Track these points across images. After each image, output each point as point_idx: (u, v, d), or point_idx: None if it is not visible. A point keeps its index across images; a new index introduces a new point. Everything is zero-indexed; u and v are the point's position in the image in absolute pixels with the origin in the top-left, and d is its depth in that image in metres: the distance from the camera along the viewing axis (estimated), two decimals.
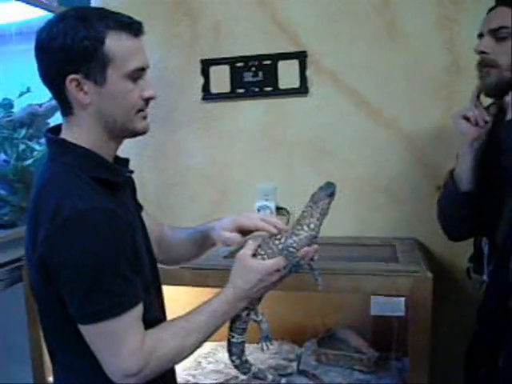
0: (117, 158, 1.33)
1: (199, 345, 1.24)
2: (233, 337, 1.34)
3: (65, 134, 1.23)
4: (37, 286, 1.22)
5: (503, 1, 1.50)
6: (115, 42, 1.15)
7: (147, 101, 1.25)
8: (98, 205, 1.11)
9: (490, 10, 1.55)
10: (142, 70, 1.21)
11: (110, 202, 1.16)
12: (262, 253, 1.28)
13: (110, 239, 1.10)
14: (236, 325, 1.33)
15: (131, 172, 1.35)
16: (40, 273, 1.15)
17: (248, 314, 1.33)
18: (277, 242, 1.28)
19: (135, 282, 1.16)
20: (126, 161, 1.37)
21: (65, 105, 1.21)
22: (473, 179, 1.58)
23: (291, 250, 1.25)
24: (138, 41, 1.21)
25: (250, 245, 1.29)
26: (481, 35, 1.54)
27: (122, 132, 1.24)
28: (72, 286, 1.10)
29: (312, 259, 1.29)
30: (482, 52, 1.51)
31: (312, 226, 1.26)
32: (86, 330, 1.12)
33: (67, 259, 1.09)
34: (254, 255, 1.28)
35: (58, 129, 1.26)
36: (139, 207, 1.46)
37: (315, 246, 1.28)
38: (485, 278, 1.59)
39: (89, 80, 1.15)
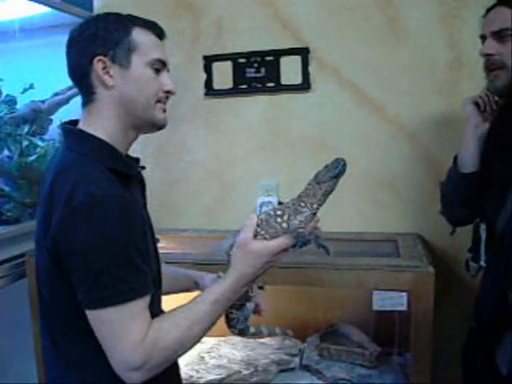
0: (128, 157, 1.35)
1: (203, 334, 1.22)
2: (231, 313, 1.33)
3: (82, 124, 1.26)
4: (46, 275, 1.22)
5: (503, 1, 1.49)
6: (140, 35, 1.25)
7: (167, 95, 1.30)
8: (113, 192, 1.13)
9: (488, 9, 1.54)
10: (163, 64, 1.29)
11: (124, 191, 1.17)
12: (263, 232, 1.23)
13: (123, 227, 1.12)
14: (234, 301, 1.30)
15: (142, 168, 1.37)
16: (51, 257, 1.16)
17: (247, 291, 1.31)
18: (279, 219, 1.23)
19: (145, 272, 1.16)
20: (137, 159, 1.40)
21: (88, 90, 1.26)
22: (475, 163, 1.62)
23: (301, 231, 1.21)
24: (160, 41, 1.31)
25: (249, 226, 1.25)
26: (483, 37, 1.54)
27: (141, 120, 1.27)
28: (82, 269, 1.11)
29: (316, 228, 1.26)
30: (488, 54, 1.51)
31: (315, 206, 1.22)
32: (93, 316, 1.12)
33: (79, 242, 1.10)
34: (255, 236, 1.24)
35: (74, 123, 1.29)
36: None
37: (316, 218, 1.25)
38: (482, 263, 1.60)
39: (114, 64, 1.23)
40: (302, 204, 1.23)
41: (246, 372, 2.02)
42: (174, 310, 1.22)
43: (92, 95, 1.25)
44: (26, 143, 2.24)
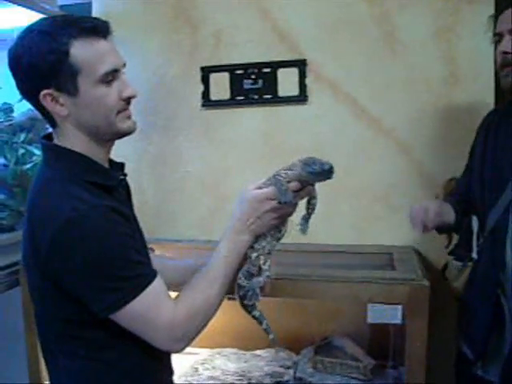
0: (112, 162, 1.34)
1: (223, 291, 1.26)
2: (239, 278, 1.33)
3: (57, 142, 1.24)
4: (38, 291, 1.23)
5: None
6: (80, 50, 1.14)
7: (127, 100, 1.24)
8: (95, 203, 1.13)
9: (499, 10, 1.58)
10: (115, 71, 1.20)
11: (107, 200, 1.18)
12: (263, 186, 1.30)
13: (112, 234, 1.13)
14: (244, 267, 1.32)
15: (125, 175, 1.35)
16: (43, 276, 1.17)
17: (257, 257, 1.31)
18: (278, 176, 1.29)
19: (144, 261, 1.20)
20: (122, 165, 1.37)
21: (48, 118, 1.23)
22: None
23: (278, 177, 1.27)
24: (106, 42, 1.19)
25: (256, 184, 1.32)
26: (498, 35, 1.55)
27: (107, 136, 1.25)
28: (85, 285, 1.13)
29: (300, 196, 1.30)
30: (505, 52, 1.52)
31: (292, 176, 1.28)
32: (118, 319, 1.15)
33: (74, 260, 1.11)
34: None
35: (51, 136, 1.27)
36: None
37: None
38: (474, 255, 1.65)
39: (62, 92, 1.16)
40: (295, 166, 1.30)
41: None
42: (191, 279, 1.26)
43: (52, 122, 1.23)
44: (22, 151, 2.23)
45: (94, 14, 2.43)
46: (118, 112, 1.22)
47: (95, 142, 1.24)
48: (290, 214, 1.31)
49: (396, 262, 1.91)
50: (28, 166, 2.20)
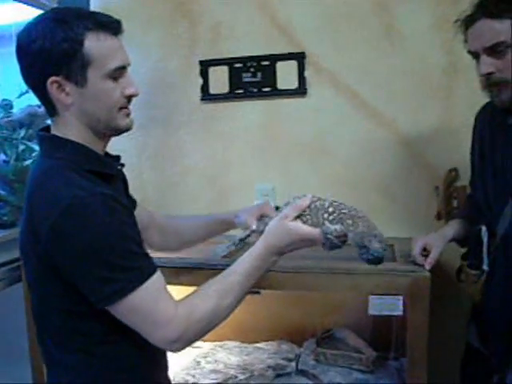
0: (108, 156, 1.35)
1: (236, 304, 1.26)
2: None
3: (55, 132, 1.25)
4: (37, 281, 1.23)
5: (486, 13, 1.43)
6: (94, 43, 1.16)
7: (129, 98, 1.26)
8: (96, 191, 1.13)
9: (468, 20, 1.48)
10: (123, 68, 1.23)
11: (107, 189, 1.18)
12: (307, 217, 1.28)
13: (113, 221, 1.13)
14: None
15: (122, 165, 1.36)
16: (43, 265, 1.17)
17: None
18: (326, 215, 1.27)
19: (145, 254, 1.19)
20: (118, 157, 1.38)
21: (49, 106, 1.23)
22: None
23: (329, 237, 1.24)
24: (117, 40, 1.22)
25: (298, 206, 1.29)
26: (474, 53, 1.49)
27: (106, 130, 1.26)
28: (85, 273, 1.12)
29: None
30: (488, 74, 1.45)
31: (352, 229, 1.26)
32: (115, 310, 1.14)
33: (74, 248, 1.11)
34: (299, 216, 1.28)
35: (48, 129, 1.28)
36: (132, 202, 1.50)
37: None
38: (484, 267, 1.60)
39: (70, 81, 1.17)
40: (349, 221, 1.26)
41: (242, 377, 2.02)
42: (207, 283, 1.25)
43: (54, 110, 1.23)
44: (22, 147, 2.23)
45: (92, 8, 2.43)
46: (120, 108, 1.24)
47: (93, 134, 1.25)
48: None
49: (397, 253, 1.90)
50: (28, 162, 2.20)
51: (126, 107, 1.26)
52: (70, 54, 1.15)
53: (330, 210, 1.27)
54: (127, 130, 1.29)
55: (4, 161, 2.21)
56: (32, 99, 2.28)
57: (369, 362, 2.02)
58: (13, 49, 2.00)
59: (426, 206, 2.12)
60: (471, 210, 1.76)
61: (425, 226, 2.14)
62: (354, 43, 2.22)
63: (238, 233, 1.58)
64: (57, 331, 1.24)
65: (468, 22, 1.49)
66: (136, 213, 1.42)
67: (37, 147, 2.26)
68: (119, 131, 1.28)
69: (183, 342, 1.18)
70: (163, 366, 1.40)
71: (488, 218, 1.60)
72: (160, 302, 1.16)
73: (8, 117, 2.25)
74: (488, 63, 1.44)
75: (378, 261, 1.26)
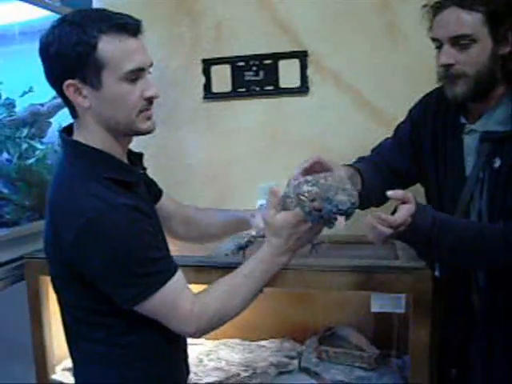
0: (131, 154, 1.38)
1: (246, 304, 1.32)
2: None
3: (76, 135, 1.27)
4: (60, 281, 1.30)
5: (457, 1, 1.37)
6: (108, 46, 1.17)
7: (150, 100, 1.26)
8: (114, 202, 1.17)
9: (437, 6, 1.43)
10: (141, 70, 1.22)
11: (127, 198, 1.21)
12: (291, 201, 1.28)
13: (133, 232, 1.17)
14: None
15: (144, 169, 1.37)
16: (67, 271, 1.23)
17: None
18: (305, 186, 1.25)
19: (165, 257, 1.24)
20: (140, 156, 1.42)
21: (70, 108, 1.26)
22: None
23: (301, 197, 1.24)
24: (135, 41, 1.22)
25: (269, 203, 1.31)
26: (437, 41, 1.43)
27: (126, 132, 1.28)
28: (107, 280, 1.19)
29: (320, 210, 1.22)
30: (447, 65, 1.41)
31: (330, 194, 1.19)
32: (140, 309, 1.21)
33: (97, 259, 1.16)
34: (287, 208, 1.28)
35: (71, 128, 1.30)
36: (157, 192, 1.58)
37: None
38: (436, 273, 1.62)
39: (86, 84, 1.19)
40: (322, 180, 1.23)
41: (244, 374, 2.02)
42: (218, 282, 1.31)
43: (74, 112, 1.25)
44: (25, 146, 2.23)
45: (95, 6, 2.43)
46: (140, 111, 1.25)
47: (113, 137, 1.27)
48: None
49: (399, 251, 1.91)
50: (31, 160, 2.20)
51: (147, 109, 1.26)
52: (84, 57, 1.16)
53: (309, 178, 1.27)
54: (148, 132, 1.30)
55: (7, 159, 2.22)
56: (35, 98, 2.29)
57: (371, 360, 2.02)
58: (16, 48, 2.03)
59: (425, 201, 2.12)
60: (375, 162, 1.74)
61: None
62: (356, 41, 2.23)
63: None
64: (81, 325, 1.31)
65: (437, 9, 1.44)
66: (161, 202, 1.54)
67: (40, 146, 2.27)
68: (139, 133, 1.29)
69: (200, 332, 1.29)
70: (184, 353, 1.47)
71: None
72: (178, 301, 1.24)
73: (11, 116, 2.25)
74: (449, 54, 1.39)
75: (342, 213, 1.16)
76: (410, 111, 1.72)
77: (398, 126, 1.75)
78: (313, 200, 1.21)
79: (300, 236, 1.28)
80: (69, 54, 1.16)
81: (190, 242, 1.73)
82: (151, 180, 1.56)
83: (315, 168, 1.37)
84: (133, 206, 1.18)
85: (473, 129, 1.48)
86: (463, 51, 1.37)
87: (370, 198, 1.67)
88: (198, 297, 1.28)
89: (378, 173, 1.70)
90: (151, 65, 1.27)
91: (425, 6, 1.48)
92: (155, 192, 1.59)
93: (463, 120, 1.50)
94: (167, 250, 1.34)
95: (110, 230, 1.15)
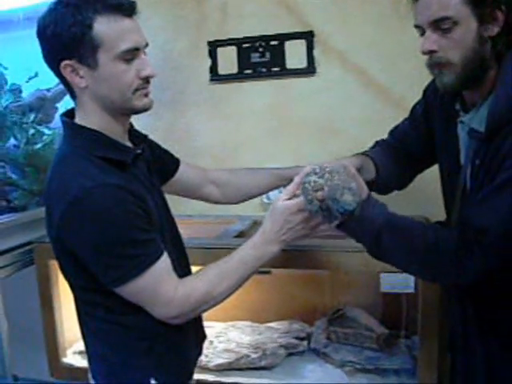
0: (133, 134, 1.38)
1: (232, 290, 1.31)
2: None
3: (77, 116, 1.29)
4: (60, 262, 1.31)
5: None
6: (104, 26, 1.17)
7: (146, 80, 1.27)
8: (103, 182, 1.17)
9: None
10: (136, 50, 1.23)
11: (118, 178, 1.21)
12: (299, 192, 1.27)
13: (118, 212, 1.17)
14: None
15: (143, 150, 1.37)
16: (59, 248, 1.25)
17: None
18: (312, 176, 1.25)
19: (151, 240, 1.23)
20: (144, 137, 1.43)
21: (68, 89, 1.27)
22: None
23: (306, 186, 1.24)
24: (130, 21, 1.22)
25: (287, 190, 1.30)
26: (419, 29, 1.33)
27: (122, 111, 1.28)
28: (92, 259, 1.20)
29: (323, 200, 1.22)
30: (430, 52, 1.30)
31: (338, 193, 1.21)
32: (121, 291, 1.22)
33: (82, 237, 1.18)
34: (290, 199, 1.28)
35: (73, 111, 1.31)
36: (174, 162, 1.60)
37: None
38: None
39: (83, 65, 1.20)
40: (328, 175, 1.24)
41: (254, 356, 2.03)
42: (209, 266, 1.31)
43: (72, 92, 1.27)
44: (32, 131, 2.24)
45: None
46: (136, 90, 1.25)
47: (111, 116, 1.27)
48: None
49: None
50: (39, 145, 2.21)
51: (143, 88, 1.26)
52: (80, 37, 1.17)
53: (317, 170, 1.26)
54: (145, 110, 1.30)
55: (14, 145, 2.22)
56: (41, 83, 2.29)
57: (380, 341, 2.03)
58: (21, 33, 2.02)
59: (435, 183, 2.11)
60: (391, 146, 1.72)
61: (436, 204, 2.13)
62: (363, 21, 2.21)
63: None
64: (83, 303, 1.33)
65: None
66: (181, 172, 1.58)
67: (47, 131, 2.28)
68: (136, 112, 1.29)
69: (182, 318, 1.28)
70: (192, 336, 1.45)
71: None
72: (161, 285, 1.23)
73: (17, 101, 2.26)
74: (431, 40, 1.28)
75: (347, 213, 1.21)
76: (425, 91, 1.69)
77: (414, 107, 1.72)
78: (316, 190, 1.22)
79: (293, 226, 1.27)
80: (65, 35, 1.17)
81: (228, 203, 1.74)
82: (159, 156, 1.56)
83: None
84: (121, 186, 1.18)
85: (463, 120, 1.41)
86: (445, 36, 1.26)
87: (389, 183, 1.66)
88: (185, 280, 1.29)
89: (395, 156, 1.68)
90: (147, 45, 1.27)
91: None
92: (168, 166, 1.61)
93: (458, 107, 1.45)
94: (161, 233, 1.31)
95: (95, 208, 1.15)
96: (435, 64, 1.32)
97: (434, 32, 1.27)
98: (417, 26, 1.33)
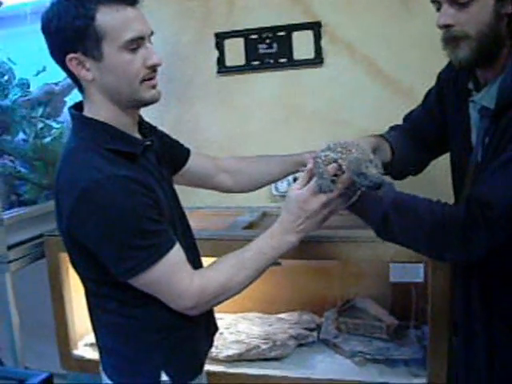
0: (143, 126, 1.38)
1: (249, 281, 1.30)
2: None
3: (85, 109, 1.28)
4: (71, 255, 1.30)
5: None
6: (106, 17, 1.17)
7: (153, 69, 1.25)
8: (111, 173, 1.16)
9: None
10: (140, 39, 1.22)
11: (127, 169, 1.20)
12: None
13: (127, 203, 1.16)
14: None
15: (152, 141, 1.36)
16: (70, 241, 1.24)
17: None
18: (323, 154, 1.23)
19: (162, 231, 1.22)
20: (154, 128, 1.43)
21: (76, 83, 1.27)
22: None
23: (317, 160, 1.21)
24: (133, 10, 1.21)
25: (300, 178, 1.28)
26: (436, 2, 1.33)
27: (130, 103, 1.27)
28: (103, 251, 1.19)
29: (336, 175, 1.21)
30: (446, 26, 1.30)
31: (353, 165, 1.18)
32: (135, 282, 1.21)
33: (92, 229, 1.17)
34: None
35: (81, 105, 1.30)
36: (183, 152, 1.60)
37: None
38: None
39: (88, 57, 1.19)
40: (339, 148, 1.22)
41: (264, 347, 2.03)
42: (226, 256, 1.30)
43: (80, 85, 1.26)
44: (40, 125, 2.25)
45: None
46: (143, 80, 1.24)
47: (117, 109, 1.26)
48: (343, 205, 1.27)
49: None
50: (47, 139, 2.22)
51: (150, 78, 1.25)
52: (83, 30, 1.17)
53: (331, 145, 1.24)
54: (153, 101, 1.29)
55: (23, 139, 2.23)
56: (49, 77, 2.29)
57: (390, 331, 2.03)
58: (29, 28, 2.02)
59: (443, 172, 2.10)
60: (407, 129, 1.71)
61: (446, 193, 2.13)
62: (371, 11, 2.20)
63: None
64: (94, 295, 1.33)
65: None
66: (192, 162, 1.57)
67: (56, 125, 2.28)
68: (144, 103, 1.28)
69: (199, 309, 1.27)
70: (202, 325, 1.43)
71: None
72: (175, 275, 1.22)
73: (26, 96, 2.26)
74: (448, 14, 1.29)
75: (377, 187, 1.17)
76: (439, 75, 1.68)
77: (428, 92, 1.72)
78: (327, 164, 1.20)
79: (311, 215, 1.24)
80: (69, 28, 1.17)
81: (241, 192, 1.73)
82: (170, 146, 1.56)
83: None
84: (131, 178, 1.18)
85: (474, 100, 1.42)
86: (462, 10, 1.27)
87: (404, 167, 1.66)
88: (201, 271, 1.29)
89: (409, 140, 1.66)
90: (152, 33, 1.26)
91: None
92: (179, 156, 1.60)
93: (471, 86, 1.45)
94: (172, 225, 1.30)
95: (105, 200, 1.15)
96: (451, 38, 1.31)
97: (451, 6, 1.28)
98: (433, 1, 1.34)
